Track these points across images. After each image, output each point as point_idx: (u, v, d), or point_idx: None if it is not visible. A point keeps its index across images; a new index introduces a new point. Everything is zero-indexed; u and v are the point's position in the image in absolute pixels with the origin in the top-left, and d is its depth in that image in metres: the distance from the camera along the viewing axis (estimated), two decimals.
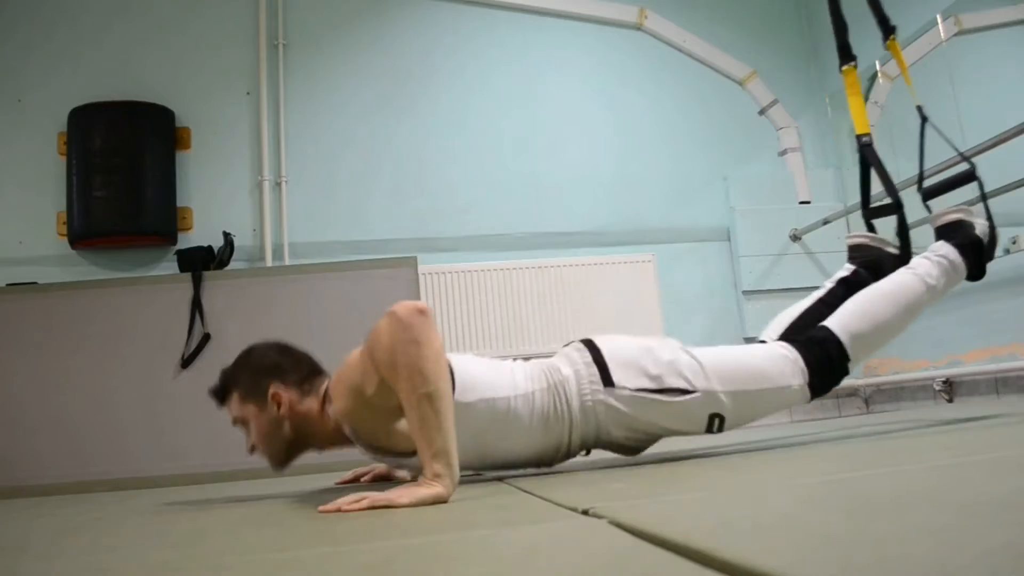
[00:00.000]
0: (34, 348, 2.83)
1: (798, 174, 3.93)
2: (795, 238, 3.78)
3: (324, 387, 1.52)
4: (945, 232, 1.75)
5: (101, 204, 3.19)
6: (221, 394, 1.56)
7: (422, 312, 1.22)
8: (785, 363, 1.53)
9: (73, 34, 3.49)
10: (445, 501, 1.12)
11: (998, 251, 1.78)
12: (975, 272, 1.72)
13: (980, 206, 1.78)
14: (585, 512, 0.83)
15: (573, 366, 1.51)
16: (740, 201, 3.83)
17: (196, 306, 2.90)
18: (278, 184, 3.53)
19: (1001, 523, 0.55)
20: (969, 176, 1.79)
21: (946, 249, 1.70)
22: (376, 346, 1.25)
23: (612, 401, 1.47)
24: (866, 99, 3.70)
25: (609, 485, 1.21)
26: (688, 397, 1.47)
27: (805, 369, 1.53)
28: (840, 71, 2.13)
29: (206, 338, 2.88)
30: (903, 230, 1.86)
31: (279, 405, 1.49)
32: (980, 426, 1.65)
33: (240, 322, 2.89)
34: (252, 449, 1.53)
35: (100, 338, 2.85)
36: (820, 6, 4.02)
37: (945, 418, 2.04)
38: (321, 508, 1.14)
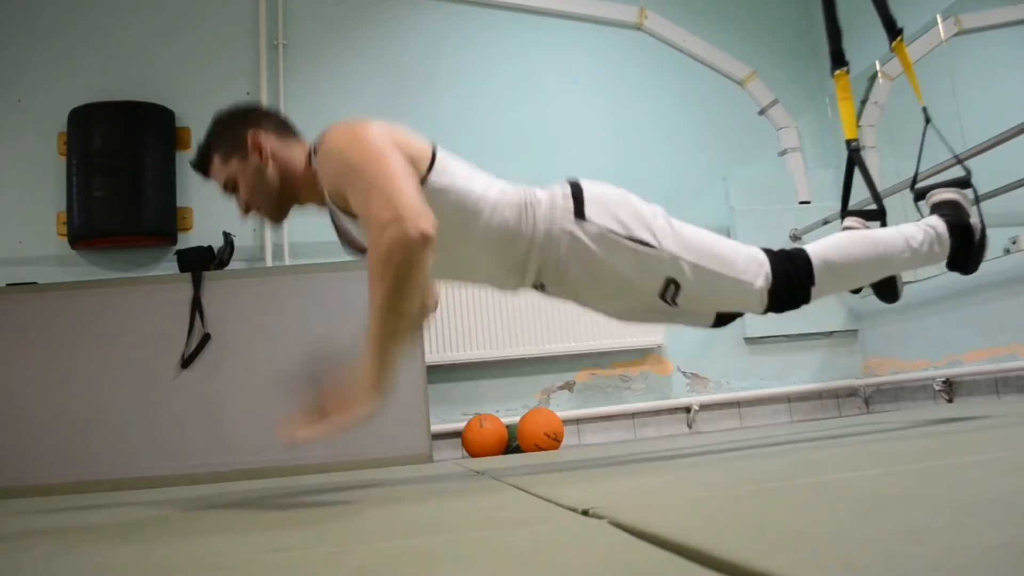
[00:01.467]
0: (34, 348, 2.83)
1: (798, 174, 3.93)
2: (795, 238, 3.78)
3: (309, 146, 1.51)
4: (938, 208, 1.76)
5: (101, 204, 3.19)
6: (203, 162, 1.54)
7: (427, 240, 1.24)
8: (752, 262, 1.54)
9: (73, 34, 3.49)
10: (373, 401, 1.20)
11: (998, 251, 1.78)
12: (959, 258, 1.69)
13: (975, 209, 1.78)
14: (585, 512, 0.83)
15: (551, 193, 1.53)
16: (740, 201, 3.83)
17: (196, 306, 2.90)
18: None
19: (1001, 523, 0.55)
20: (964, 182, 1.80)
21: (935, 221, 1.70)
22: (373, 226, 1.27)
23: (578, 232, 1.47)
24: (866, 99, 3.71)
25: (609, 485, 1.22)
26: (651, 251, 1.47)
27: (770, 274, 1.53)
28: (832, 76, 2.14)
29: (206, 338, 2.88)
30: None
31: (260, 150, 1.48)
32: (980, 426, 1.65)
33: (240, 322, 2.90)
34: (246, 209, 1.53)
35: (100, 338, 2.85)
36: (820, 6, 4.03)
37: (945, 418, 2.04)
38: (281, 440, 1.18)
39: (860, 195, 2.11)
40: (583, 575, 0.55)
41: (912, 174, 1.97)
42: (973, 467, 0.95)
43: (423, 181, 1.38)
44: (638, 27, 3.98)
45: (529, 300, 3.47)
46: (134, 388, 2.83)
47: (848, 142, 2.07)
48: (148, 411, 2.82)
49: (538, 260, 1.50)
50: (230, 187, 1.53)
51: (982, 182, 1.83)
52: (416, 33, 3.80)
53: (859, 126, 3.90)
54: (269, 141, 1.50)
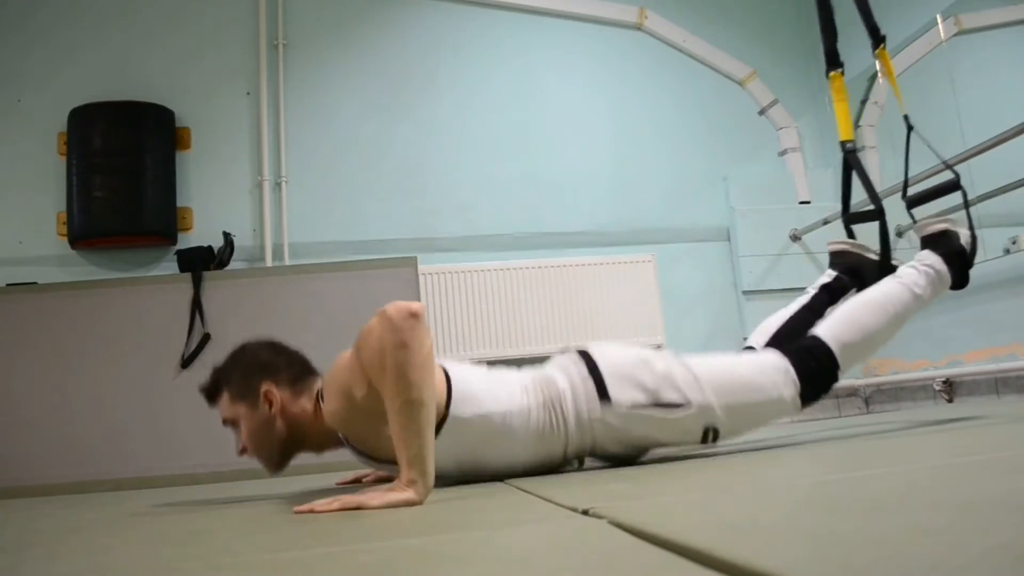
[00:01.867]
0: (34, 348, 2.83)
1: (798, 174, 3.93)
2: (795, 238, 3.78)
3: (317, 387, 1.51)
4: (931, 242, 1.77)
5: (101, 204, 3.19)
6: (212, 393, 1.54)
7: (414, 315, 1.20)
8: (777, 373, 1.54)
9: (73, 34, 3.49)
10: (418, 505, 1.13)
11: (998, 251, 1.79)
12: (959, 281, 1.74)
13: (963, 215, 1.79)
14: (585, 512, 0.83)
15: (569, 379, 1.51)
16: (740, 201, 3.83)
17: (196, 306, 2.90)
18: (278, 184, 3.53)
19: (1001, 523, 0.55)
20: (954, 185, 1.80)
21: (932, 259, 1.72)
22: (364, 346, 1.24)
23: (609, 419, 1.47)
24: (866, 99, 3.71)
25: (609, 485, 1.21)
26: (683, 412, 1.47)
27: (797, 380, 1.54)
28: (827, 77, 2.14)
29: (206, 338, 2.88)
30: (884, 237, 1.88)
31: (271, 404, 1.47)
32: (980, 426, 1.65)
33: (240, 322, 2.89)
34: (243, 451, 1.51)
35: (100, 338, 2.85)
36: (818, 6, 4.03)
37: (945, 418, 2.04)
38: (296, 509, 1.14)
39: (859, 195, 2.11)
40: (583, 575, 0.55)
41: (902, 182, 1.97)
42: (973, 467, 0.95)
43: (445, 416, 1.37)
44: (638, 27, 3.98)
45: (529, 300, 3.47)
46: (134, 388, 2.83)
47: (843, 143, 2.07)
48: (148, 411, 2.82)
49: (576, 448, 1.51)
50: (232, 425, 1.52)
51: (982, 182, 1.84)
52: (416, 33, 3.80)
53: (858, 126, 3.90)
54: (283, 395, 1.49)
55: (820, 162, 4.01)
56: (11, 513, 1.88)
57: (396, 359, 1.18)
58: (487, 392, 1.44)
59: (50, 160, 3.35)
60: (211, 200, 3.48)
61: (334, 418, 1.41)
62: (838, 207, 3.67)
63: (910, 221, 1.91)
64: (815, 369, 1.56)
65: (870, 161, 3.73)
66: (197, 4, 3.64)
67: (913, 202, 1.89)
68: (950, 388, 3.18)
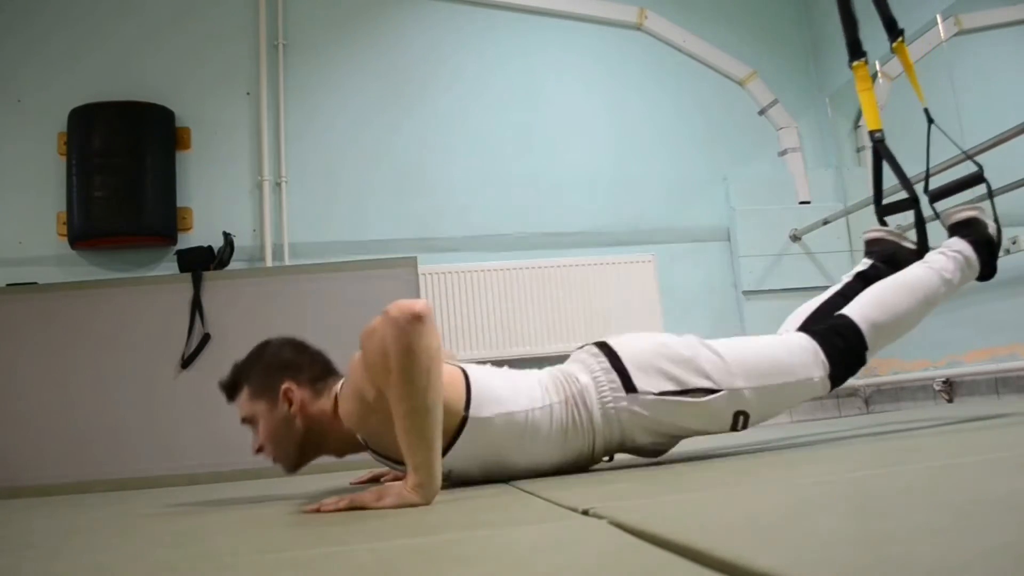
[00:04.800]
0: (34, 348, 2.83)
1: (798, 174, 3.93)
2: (795, 238, 3.78)
3: (337, 388, 1.48)
4: (959, 229, 1.75)
5: (101, 204, 3.19)
6: (231, 389, 1.51)
7: (418, 317, 1.16)
8: (806, 355, 1.52)
9: (73, 34, 3.49)
10: (429, 499, 1.13)
11: (999, 247, 1.79)
12: (986, 271, 1.72)
13: (988, 208, 1.78)
14: (585, 512, 0.83)
15: (591, 373, 1.47)
16: (740, 201, 3.83)
17: (196, 306, 2.90)
18: (278, 184, 3.53)
19: (1001, 523, 0.55)
20: (978, 178, 1.80)
21: (961, 245, 1.70)
22: (367, 349, 1.23)
23: (636, 408, 1.43)
24: None
25: (609, 485, 1.21)
26: (713, 397, 1.44)
27: (826, 361, 1.52)
28: (850, 67, 2.12)
29: (206, 338, 2.88)
30: (920, 224, 1.85)
31: (290, 403, 1.45)
32: (980, 426, 1.65)
33: (240, 322, 2.89)
34: (259, 450, 1.48)
35: (100, 338, 2.85)
36: (820, 6, 4.04)
37: (945, 418, 2.04)
38: (305, 509, 1.14)
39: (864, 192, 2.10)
40: (583, 575, 0.55)
41: (923, 173, 1.96)
42: (973, 467, 0.95)
43: (465, 418, 1.35)
44: (638, 27, 3.98)
45: (529, 300, 3.47)
46: (134, 388, 2.83)
47: (872, 133, 2.03)
48: (148, 411, 2.82)
49: (605, 442, 1.48)
50: (250, 422, 1.50)
51: None
52: (416, 33, 3.80)
53: (859, 125, 3.90)
54: (302, 393, 1.46)
55: (820, 162, 4.01)
56: (11, 513, 1.88)
57: (400, 364, 1.14)
58: (507, 391, 1.42)
59: (50, 160, 3.35)
60: (211, 200, 3.48)
61: (350, 419, 1.40)
62: (838, 207, 3.70)
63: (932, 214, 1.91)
64: (843, 349, 1.54)
65: (870, 160, 3.73)
66: (197, 4, 3.64)
67: (936, 195, 1.89)
68: (950, 388, 3.18)
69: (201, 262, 3.08)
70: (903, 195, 1.93)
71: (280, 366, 1.48)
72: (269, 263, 3.40)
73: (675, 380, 1.44)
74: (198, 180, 3.48)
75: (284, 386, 1.45)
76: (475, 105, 3.76)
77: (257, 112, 3.56)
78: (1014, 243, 2.77)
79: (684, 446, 1.77)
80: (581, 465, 1.52)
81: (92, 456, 2.76)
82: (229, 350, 2.85)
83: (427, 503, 1.13)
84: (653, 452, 1.56)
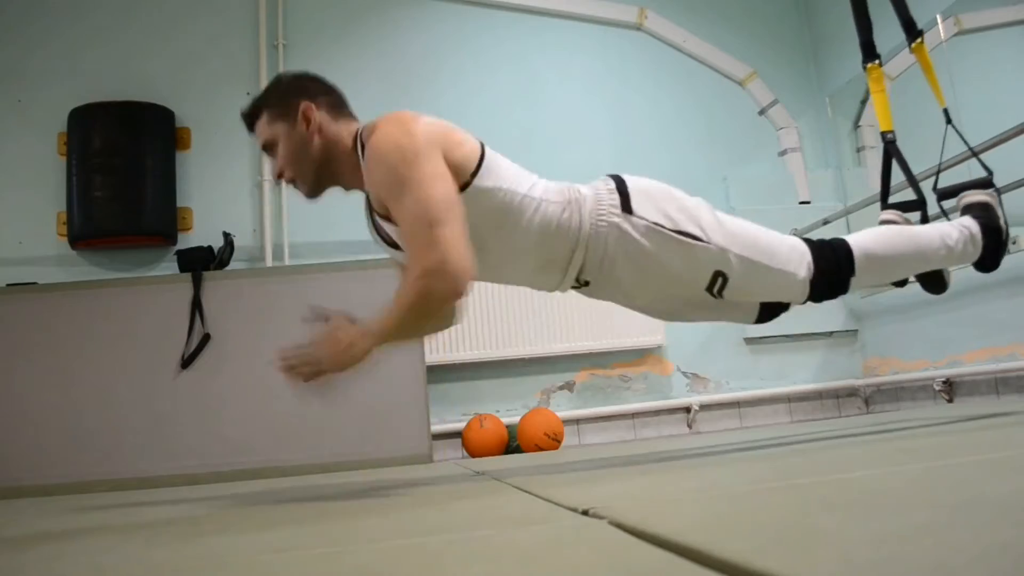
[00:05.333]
0: (34, 348, 2.83)
1: (798, 174, 3.93)
2: None
3: (356, 128, 1.51)
4: (971, 209, 1.77)
5: (101, 204, 3.19)
6: (251, 115, 1.52)
7: (458, 293, 1.30)
8: (795, 253, 1.55)
9: (73, 34, 3.49)
10: (358, 357, 1.30)
11: (1006, 246, 1.79)
12: (988, 259, 1.72)
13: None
14: (585, 512, 0.83)
15: (594, 188, 1.52)
16: (740, 201, 3.83)
17: (196, 306, 2.90)
18: (278, 184, 3.53)
19: (1001, 523, 0.55)
20: (987, 183, 1.81)
21: (969, 222, 1.72)
22: (415, 231, 1.31)
23: (626, 226, 1.46)
24: (866, 99, 3.71)
25: (609, 485, 1.22)
26: (699, 244, 1.47)
27: (812, 264, 1.54)
28: (864, 69, 2.13)
29: (206, 338, 2.88)
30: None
31: (308, 122, 1.47)
32: (980, 426, 1.65)
33: (240, 322, 2.90)
34: (280, 174, 1.51)
35: (100, 338, 2.85)
36: (820, 6, 4.04)
37: (945, 418, 2.04)
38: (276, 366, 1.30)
39: (858, 193, 2.10)
40: (583, 575, 0.55)
41: (934, 172, 1.98)
42: (973, 467, 0.95)
43: (468, 184, 1.38)
44: (638, 27, 3.98)
45: (529, 300, 3.46)
46: (134, 388, 2.83)
47: (884, 134, 2.06)
48: (148, 411, 2.82)
49: (583, 256, 1.49)
50: (270, 148, 1.51)
51: None
52: (416, 33, 3.79)
53: (858, 126, 3.90)
54: (320, 115, 1.49)
55: (820, 162, 4.01)
56: (11, 513, 1.88)
57: (423, 311, 1.32)
58: (512, 174, 1.46)
59: (50, 160, 3.35)
60: (211, 200, 3.48)
61: (371, 187, 1.44)
62: (838, 207, 3.70)
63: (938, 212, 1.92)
64: (832, 262, 1.56)
65: (874, 161, 3.73)
66: (197, 5, 3.64)
67: (944, 195, 1.90)
68: (950, 388, 3.18)
69: (201, 262, 3.08)
70: (910, 195, 1.95)
71: (299, 88, 1.52)
72: (269, 263, 3.40)
73: (670, 219, 1.48)
74: (198, 180, 3.48)
75: (303, 105, 1.48)
76: (475, 105, 3.76)
77: None
78: (1014, 243, 2.76)
79: (682, 443, 1.78)
80: (554, 280, 1.53)
81: (93, 456, 2.76)
82: (229, 350, 2.88)
83: (363, 350, 1.30)
84: (623, 295, 1.57)
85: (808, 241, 1.59)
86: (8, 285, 3.00)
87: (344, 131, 1.51)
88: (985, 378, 3.00)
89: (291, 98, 1.49)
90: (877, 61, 2.10)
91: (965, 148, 1.99)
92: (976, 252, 1.70)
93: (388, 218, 1.42)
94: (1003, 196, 1.97)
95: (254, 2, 3.66)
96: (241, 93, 3.58)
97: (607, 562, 0.58)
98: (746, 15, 4.11)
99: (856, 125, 3.91)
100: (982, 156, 1.97)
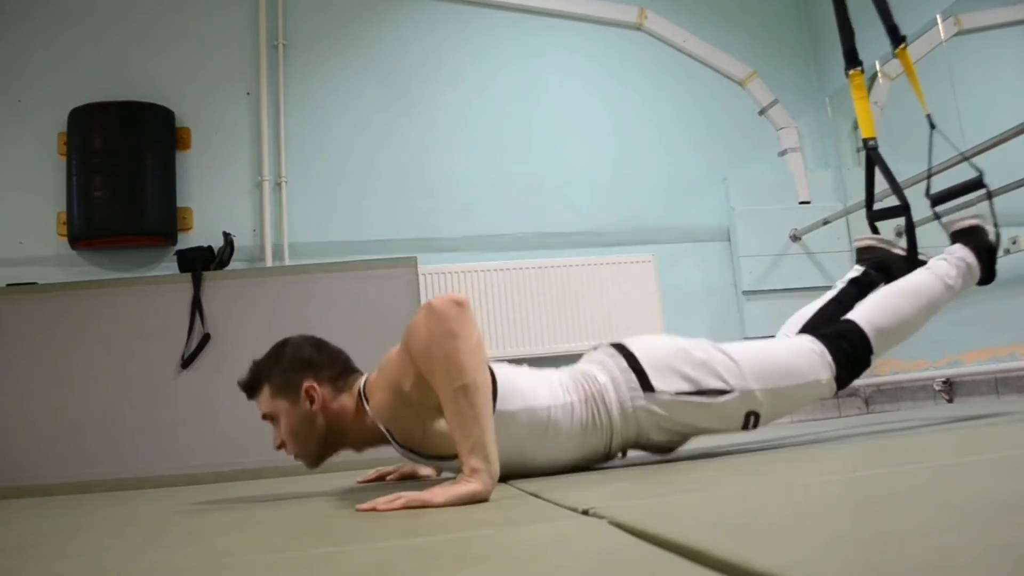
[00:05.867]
0: (34, 348, 2.83)
1: (798, 174, 3.93)
2: (795, 238, 3.78)
3: (359, 385, 1.50)
4: (961, 236, 1.80)
5: (101, 204, 3.19)
6: (251, 387, 1.52)
7: (459, 304, 1.20)
8: (813, 357, 1.56)
9: (73, 34, 3.49)
10: (485, 499, 1.09)
11: (998, 251, 1.81)
12: (986, 276, 1.77)
13: (986, 210, 1.81)
14: (585, 512, 0.83)
15: (609, 373, 1.52)
16: (740, 201, 3.83)
17: (196, 306, 2.90)
18: (278, 184, 3.53)
19: (1001, 523, 0.55)
20: (978, 183, 1.82)
21: (963, 252, 1.75)
22: (413, 339, 1.24)
23: (653, 407, 1.49)
24: None
25: (609, 485, 1.22)
26: (726, 398, 1.49)
27: (832, 363, 1.57)
28: (846, 76, 2.14)
29: (206, 338, 2.88)
30: (911, 232, 1.89)
31: (312, 401, 1.46)
32: (980, 426, 1.65)
33: (240, 322, 2.89)
34: (281, 446, 1.50)
35: (100, 338, 2.85)
36: (820, 6, 4.04)
37: (945, 418, 2.04)
38: (359, 507, 1.12)
39: (856, 195, 2.11)
40: (583, 575, 0.55)
41: (924, 179, 1.98)
42: (973, 467, 0.95)
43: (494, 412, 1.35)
44: (638, 27, 3.98)
45: (529, 300, 3.47)
46: (134, 388, 2.83)
47: (866, 141, 2.08)
48: (148, 411, 2.81)
49: (621, 439, 1.53)
50: (271, 419, 1.51)
51: None
52: (416, 33, 3.79)
53: (858, 126, 3.90)
54: (324, 392, 1.47)
55: (820, 162, 4.01)
56: (11, 513, 1.88)
57: (445, 348, 1.16)
58: (531, 388, 1.46)
59: (50, 160, 3.35)
60: (211, 200, 3.48)
61: (381, 412, 1.41)
62: (838, 207, 3.70)
63: (930, 216, 1.93)
64: (849, 352, 1.58)
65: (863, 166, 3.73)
66: (197, 4, 3.64)
67: (937, 200, 1.91)
68: (950, 388, 3.18)
69: (201, 262, 3.08)
70: (894, 201, 1.95)
71: (302, 364, 1.49)
72: (269, 263, 3.40)
73: (690, 381, 1.49)
74: (198, 180, 3.48)
75: (306, 384, 1.46)
76: (475, 105, 3.76)
77: (257, 112, 3.56)
78: (1014, 243, 2.77)
79: (686, 445, 1.78)
80: (596, 461, 1.56)
81: (93, 456, 2.76)
82: (229, 350, 2.88)
83: (487, 490, 1.09)
84: (666, 448, 1.61)
85: (821, 336, 1.60)
86: (8, 285, 2.99)
87: (347, 399, 1.49)
88: (985, 378, 3.00)
89: (294, 375, 1.47)
90: (859, 68, 2.12)
91: (962, 150, 1.99)
92: (975, 277, 1.76)
93: (412, 449, 1.45)
94: (1003, 196, 1.98)
95: (254, 2, 3.66)
96: (241, 93, 3.59)
97: (607, 562, 0.58)
98: (746, 15, 4.11)
99: (856, 125, 3.90)
100: (977, 158, 1.98)
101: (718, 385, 1.48)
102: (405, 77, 3.73)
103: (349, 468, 2.66)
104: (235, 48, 3.62)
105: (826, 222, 3.61)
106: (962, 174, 1.95)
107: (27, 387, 2.79)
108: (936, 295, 1.69)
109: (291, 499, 1.52)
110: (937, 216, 1.89)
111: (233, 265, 3.25)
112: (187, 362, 2.85)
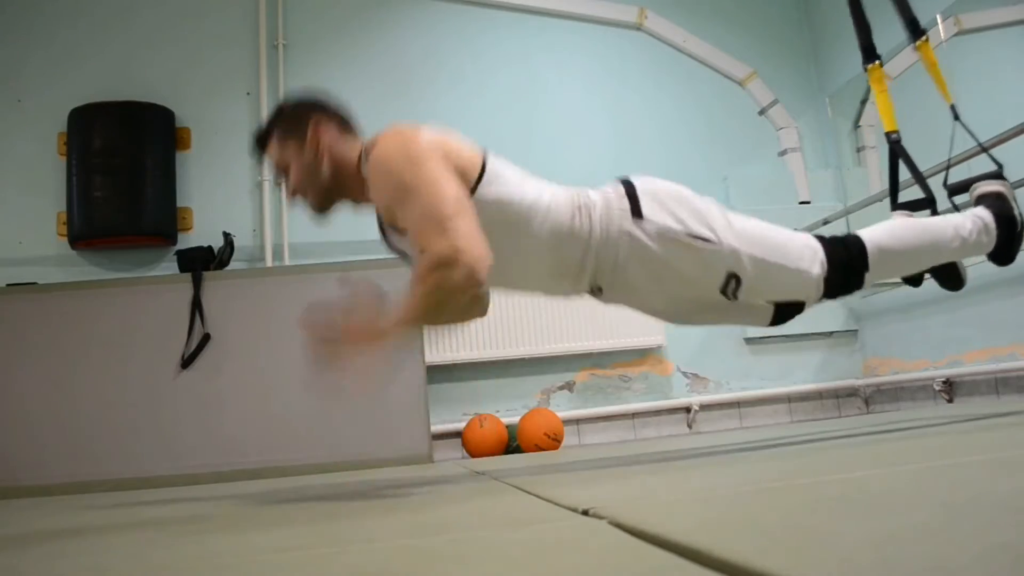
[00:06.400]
0: (34, 348, 2.83)
1: (798, 174, 3.93)
2: None
3: (361, 145, 1.52)
4: (984, 199, 1.76)
5: (101, 204, 3.19)
6: (262, 138, 1.54)
7: (476, 283, 1.25)
8: (808, 250, 1.54)
9: (73, 35, 3.49)
10: (381, 337, 1.26)
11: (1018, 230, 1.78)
12: (1003, 250, 1.70)
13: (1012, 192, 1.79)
14: (585, 512, 0.83)
15: (603, 194, 1.51)
16: (740, 201, 3.83)
17: (196, 306, 2.90)
18: (278, 184, 3.52)
19: (1001, 523, 0.55)
20: (996, 176, 1.81)
21: (983, 212, 1.70)
22: (426, 231, 1.28)
23: (637, 232, 1.45)
24: (865, 100, 3.71)
25: (609, 485, 1.22)
26: (711, 246, 1.46)
27: (825, 262, 1.53)
28: (864, 70, 2.13)
29: (206, 338, 2.88)
30: None
31: (318, 143, 1.49)
32: (980, 426, 1.65)
33: (240, 322, 2.90)
34: (293, 193, 1.53)
35: (100, 338, 2.85)
36: (820, 6, 4.04)
37: (945, 418, 2.04)
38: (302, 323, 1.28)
39: (861, 192, 2.10)
40: (583, 575, 0.55)
41: (944, 170, 1.98)
42: (973, 467, 0.95)
43: (472, 191, 1.37)
44: (638, 27, 3.98)
45: (529, 301, 3.46)
46: (134, 388, 2.83)
47: (888, 134, 2.06)
48: (148, 411, 2.82)
49: (595, 263, 1.48)
50: (282, 170, 1.53)
51: None
52: (416, 34, 3.79)
53: (858, 126, 3.90)
54: (329, 135, 1.50)
55: (820, 162, 4.01)
56: (11, 513, 1.88)
57: (439, 304, 1.27)
58: (517, 181, 1.45)
59: (50, 160, 3.35)
60: (211, 200, 3.48)
61: (376, 197, 1.44)
62: (838, 207, 3.70)
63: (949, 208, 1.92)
64: (844, 258, 1.55)
65: (873, 160, 3.73)
66: (197, 5, 3.64)
67: (955, 190, 1.90)
68: (950, 388, 3.18)
69: (201, 262, 3.08)
70: (919, 194, 1.95)
71: (306, 109, 1.53)
72: (269, 263, 3.40)
73: (681, 223, 1.47)
74: (198, 180, 3.48)
75: (312, 122, 1.49)
76: (475, 105, 3.76)
77: (257, 112, 3.56)
78: None
79: (682, 443, 1.78)
80: (565, 286, 1.53)
81: (93, 456, 2.76)
82: (229, 350, 2.88)
83: (391, 334, 1.26)
84: (637, 300, 1.57)
85: (821, 238, 1.58)
86: (8, 285, 3.00)
87: (351, 149, 1.52)
88: (985, 378, 3.00)
89: (300, 118, 1.50)
90: (878, 62, 2.11)
91: (967, 145, 1.99)
92: (991, 242, 1.68)
93: (397, 228, 1.42)
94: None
95: (254, 2, 3.66)
96: (241, 93, 3.59)
97: (607, 562, 0.58)
98: (746, 15, 4.11)
99: (856, 125, 3.90)
100: (982, 156, 1.97)
101: (707, 234, 1.46)
102: (405, 77, 3.72)
103: (349, 468, 2.66)
104: (235, 48, 3.62)
105: (826, 222, 3.61)
106: (960, 175, 1.95)
107: (27, 387, 2.80)
108: (944, 237, 1.63)
109: (291, 499, 1.52)
110: (955, 207, 1.88)
111: (233, 265, 3.25)
112: (187, 362, 2.85)
